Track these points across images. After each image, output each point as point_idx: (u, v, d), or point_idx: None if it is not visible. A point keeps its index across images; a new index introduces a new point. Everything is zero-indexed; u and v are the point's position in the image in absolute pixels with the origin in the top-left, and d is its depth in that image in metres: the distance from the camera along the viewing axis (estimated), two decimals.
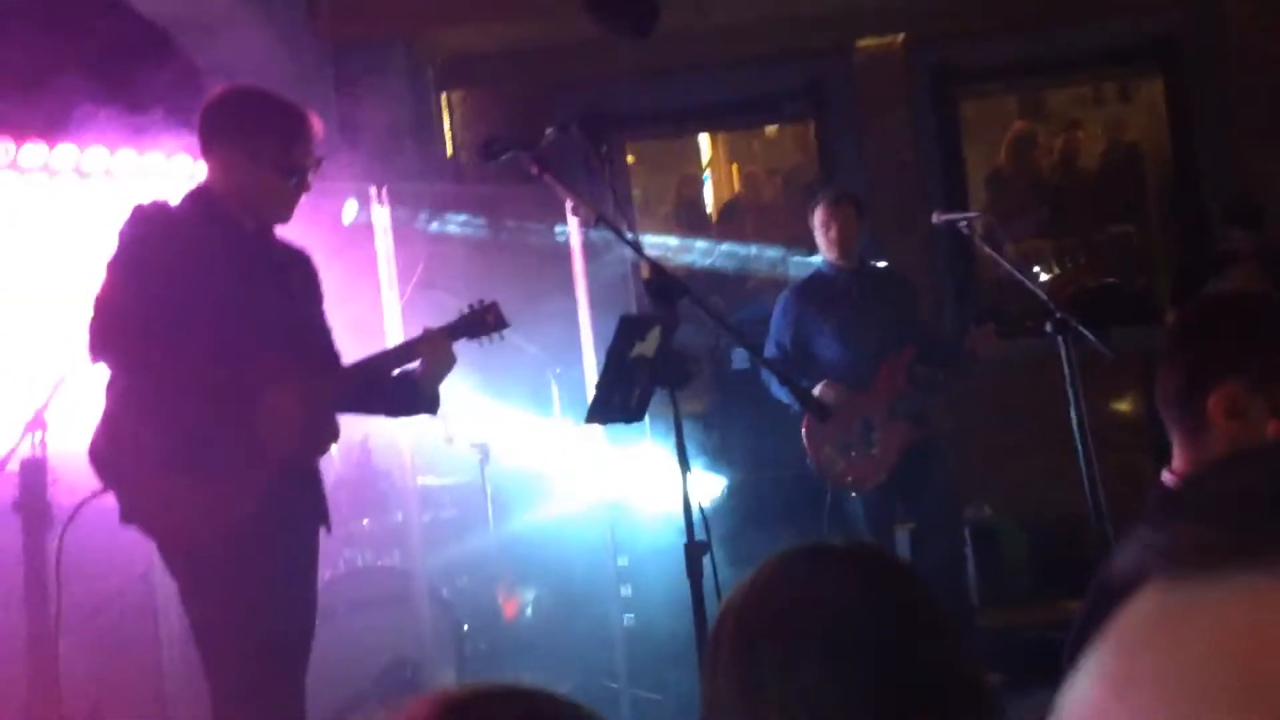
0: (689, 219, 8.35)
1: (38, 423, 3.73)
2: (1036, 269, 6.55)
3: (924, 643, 1.08)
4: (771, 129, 8.91)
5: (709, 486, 5.31)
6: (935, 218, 4.47)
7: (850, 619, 1.07)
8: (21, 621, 3.44)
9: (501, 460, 4.99)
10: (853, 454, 4.50)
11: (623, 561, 5.20)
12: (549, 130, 2.69)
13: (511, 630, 5.03)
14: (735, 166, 9.46)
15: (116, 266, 2.76)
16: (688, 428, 5.67)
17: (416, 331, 3.23)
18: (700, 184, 9.13)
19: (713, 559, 2.50)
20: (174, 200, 2.95)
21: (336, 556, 4.44)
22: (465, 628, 4.58)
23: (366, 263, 4.79)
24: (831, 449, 4.48)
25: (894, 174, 6.51)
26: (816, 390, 4.47)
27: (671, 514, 5.36)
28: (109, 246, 2.80)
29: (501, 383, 4.99)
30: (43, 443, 3.69)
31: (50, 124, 4.92)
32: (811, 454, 4.51)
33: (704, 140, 9.11)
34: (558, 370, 5.22)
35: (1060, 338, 3.73)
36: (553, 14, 5.84)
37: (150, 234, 2.80)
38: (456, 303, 4.20)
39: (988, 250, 4.61)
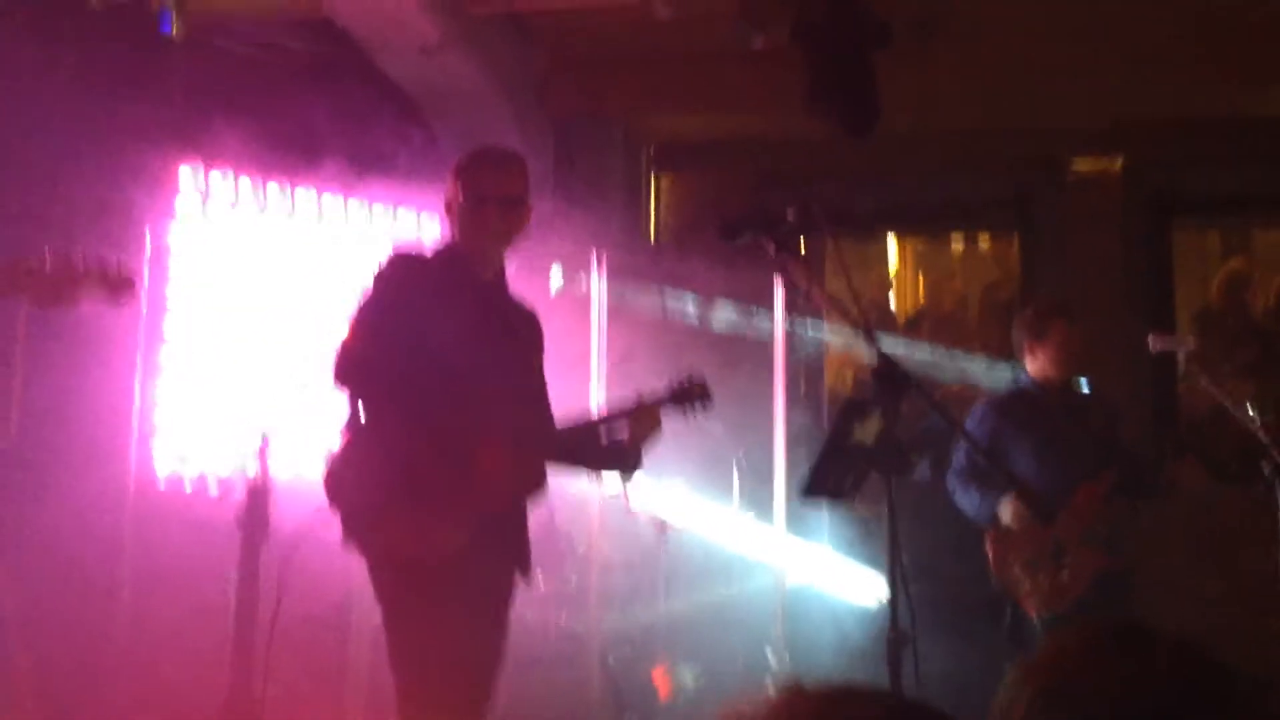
0: (876, 323, 8.33)
1: (264, 445, 3.98)
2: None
3: None
4: (959, 242, 8.86)
5: (874, 585, 5.24)
6: (1152, 343, 4.36)
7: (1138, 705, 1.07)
8: (227, 632, 3.64)
9: (679, 536, 5.03)
10: (1040, 575, 4.37)
11: (771, 657, 5.16)
12: (790, 211, 2.77)
13: (664, 709, 5.02)
14: (921, 276, 9.42)
15: (369, 303, 2.96)
16: (862, 529, 5.62)
17: (614, 398, 3.34)
18: (889, 287, 9.12)
19: (915, 651, 2.48)
20: (426, 249, 3.16)
21: None
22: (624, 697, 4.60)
23: (568, 331, 4.96)
24: (1019, 568, 4.36)
25: (1101, 297, 6.38)
26: (1005, 507, 4.38)
27: (842, 606, 5.33)
28: (364, 282, 3.01)
29: (684, 461, 5.06)
30: (266, 464, 3.93)
31: (300, 172, 5.33)
32: (996, 569, 4.40)
33: (892, 249, 9.11)
34: (741, 454, 5.26)
35: (1277, 480, 3.58)
36: (770, 108, 6.00)
37: (402, 276, 3.00)
38: (649, 378, 4.31)
39: (1203, 383, 4.46)
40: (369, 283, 3.01)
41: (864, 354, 6.76)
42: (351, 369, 2.88)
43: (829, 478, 2.61)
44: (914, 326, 8.51)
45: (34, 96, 4.45)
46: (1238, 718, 1.08)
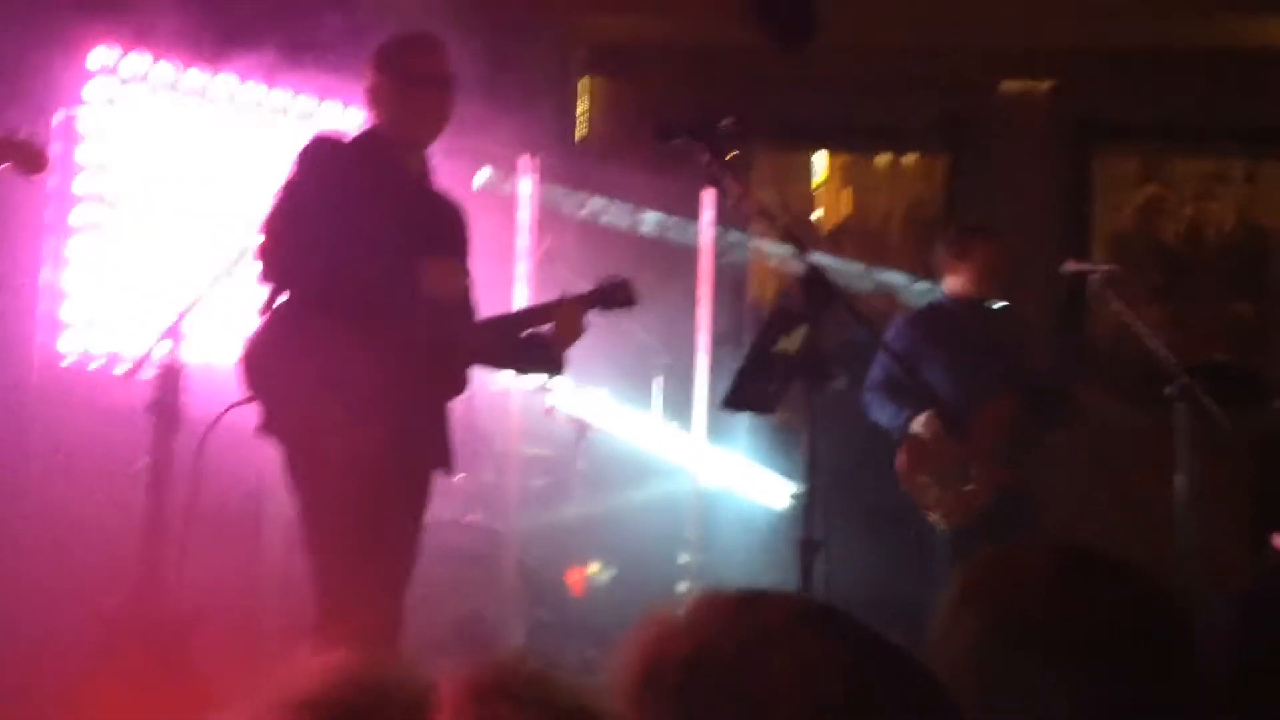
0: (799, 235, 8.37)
1: (174, 331, 3.89)
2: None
3: None
4: (884, 157, 8.89)
5: (788, 491, 5.35)
6: (1066, 266, 4.46)
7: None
8: (136, 519, 3.59)
9: (597, 437, 5.07)
10: (946, 488, 4.50)
11: (685, 559, 5.26)
12: (726, 121, 2.75)
13: (578, 606, 5.11)
14: (849, 191, 9.46)
15: (291, 186, 2.89)
16: (777, 438, 5.71)
17: (538, 299, 3.32)
18: (814, 201, 9.14)
19: (827, 557, 2.54)
20: (347, 135, 3.08)
21: None
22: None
23: (492, 232, 4.90)
24: (928, 478, 4.49)
25: (1021, 219, 6.48)
26: (920, 420, 4.49)
27: (755, 510, 5.44)
28: (283, 168, 2.93)
29: (607, 365, 5.08)
30: (177, 350, 3.85)
31: (216, 50, 5.13)
32: (905, 478, 4.52)
33: (819, 160, 9.11)
34: (664, 361, 5.29)
35: (1180, 405, 3.71)
36: (707, 13, 5.91)
37: (326, 159, 2.93)
38: (574, 279, 4.28)
39: (1115, 307, 4.58)
40: (291, 165, 2.93)
41: (789, 265, 6.82)
42: (274, 253, 2.83)
43: (752, 388, 2.64)
44: (837, 240, 8.57)
45: None
46: (1188, 638, 1.12)
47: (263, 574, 3.98)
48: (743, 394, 2.68)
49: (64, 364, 4.54)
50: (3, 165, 2.43)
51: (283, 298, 2.89)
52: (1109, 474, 5.94)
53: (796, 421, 6.07)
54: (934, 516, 4.51)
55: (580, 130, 6.60)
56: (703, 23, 6.21)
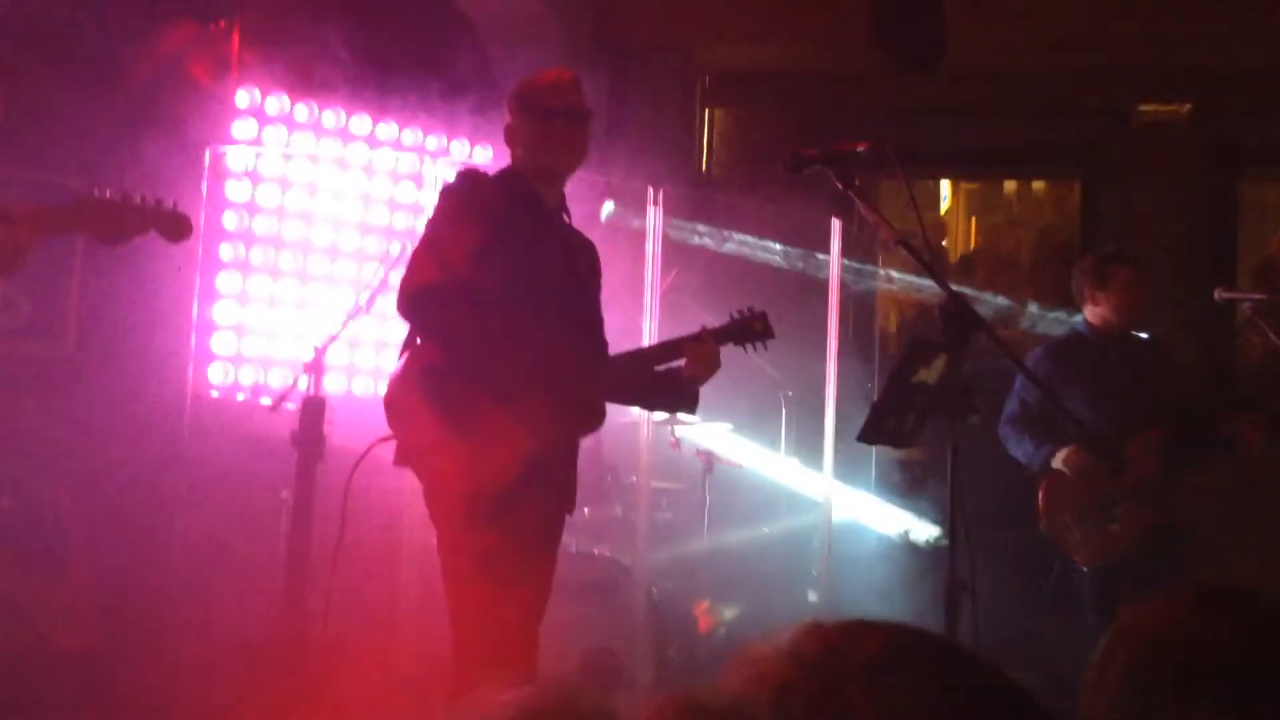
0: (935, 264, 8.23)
1: (318, 364, 4.01)
2: None
3: None
4: (1013, 183, 8.70)
5: (922, 527, 5.23)
6: (1217, 294, 4.28)
7: (1253, 667, 1.05)
8: (279, 547, 3.70)
9: (725, 470, 5.04)
10: (1090, 525, 4.34)
11: (814, 596, 5.18)
12: (860, 148, 2.71)
13: (705, 641, 5.07)
14: (974, 219, 9.28)
15: (436, 222, 2.95)
16: (906, 472, 5.59)
17: (668, 332, 3.31)
18: (943, 229, 9.00)
19: (974, 598, 2.47)
20: (490, 171, 3.14)
21: None
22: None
23: (620, 261, 4.93)
24: (1069, 516, 4.33)
25: (1162, 246, 6.26)
26: (1061, 455, 4.35)
27: (885, 547, 5.32)
28: (430, 205, 3.00)
29: (734, 397, 5.05)
30: (319, 383, 3.96)
31: (355, 91, 5.31)
32: (1046, 517, 4.37)
33: (945, 188, 8.96)
34: (789, 394, 5.24)
35: None
36: (831, 41, 5.88)
37: (466, 198, 2.98)
38: (700, 312, 4.26)
39: (1266, 335, 4.37)
40: (437, 200, 3.00)
41: (919, 294, 6.70)
42: (417, 292, 2.88)
43: (888, 421, 2.59)
44: (967, 268, 8.40)
45: (96, 21, 4.44)
46: None
47: (402, 603, 4.05)
48: (879, 427, 2.62)
49: (214, 394, 4.72)
50: (149, 233, 2.55)
51: (421, 333, 2.95)
52: (1260, 508, 5.66)
53: (927, 455, 5.98)
54: (1077, 557, 4.34)
55: (704, 161, 6.62)
56: (826, 49, 6.18)
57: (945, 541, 5.17)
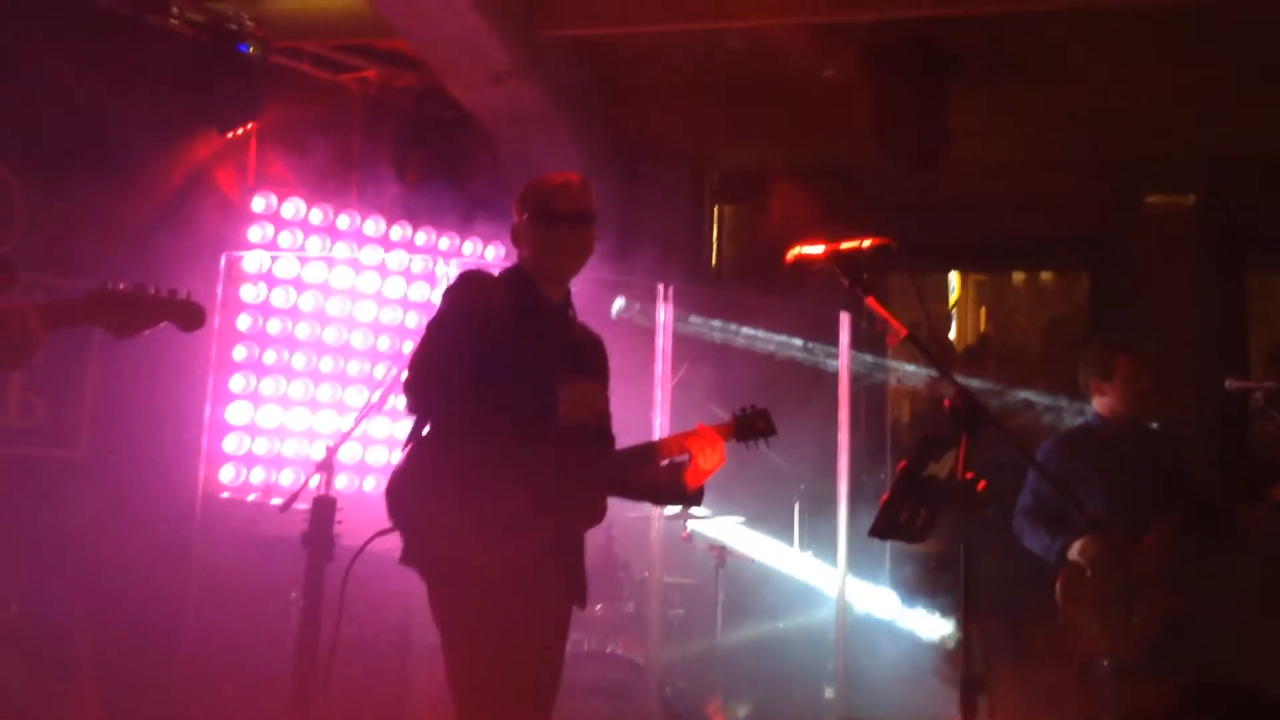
0: (943, 358, 8.23)
1: (328, 464, 4.02)
2: None
3: None
4: (1019, 274, 8.75)
5: (940, 629, 5.15)
6: (1229, 384, 4.27)
7: None
8: (288, 643, 3.67)
9: (738, 565, 5.00)
10: (1110, 617, 4.27)
11: (829, 694, 5.09)
12: (865, 245, 2.75)
13: None
14: (983, 309, 9.32)
15: (437, 320, 2.98)
16: (921, 565, 5.53)
17: (678, 427, 3.31)
18: (950, 321, 9.03)
19: (990, 694, 2.42)
20: (494, 271, 3.18)
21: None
22: None
23: (631, 356, 4.96)
24: (1089, 609, 4.27)
25: (1171, 335, 6.26)
26: (1077, 547, 4.31)
27: (902, 642, 5.24)
28: (434, 300, 3.04)
29: (745, 490, 5.03)
30: (331, 482, 3.97)
31: (369, 199, 5.41)
32: (1064, 609, 4.31)
33: (952, 277, 9.02)
34: (802, 487, 5.22)
35: None
36: (837, 139, 5.97)
37: (471, 294, 3.01)
38: (710, 406, 4.26)
39: (1278, 424, 4.35)
40: (438, 300, 3.03)
41: (931, 388, 6.70)
42: (419, 386, 2.90)
43: (899, 516, 2.57)
44: (974, 358, 8.41)
45: (117, 122, 4.56)
46: None
47: (410, 701, 4.00)
48: (890, 522, 2.60)
49: (225, 495, 4.73)
50: (162, 324, 2.59)
51: (426, 429, 2.96)
52: (1278, 595, 5.58)
53: (943, 548, 5.92)
54: (1096, 650, 4.27)
55: (714, 257, 6.69)
56: (832, 149, 6.28)
57: (960, 637, 5.12)
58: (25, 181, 4.55)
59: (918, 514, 2.58)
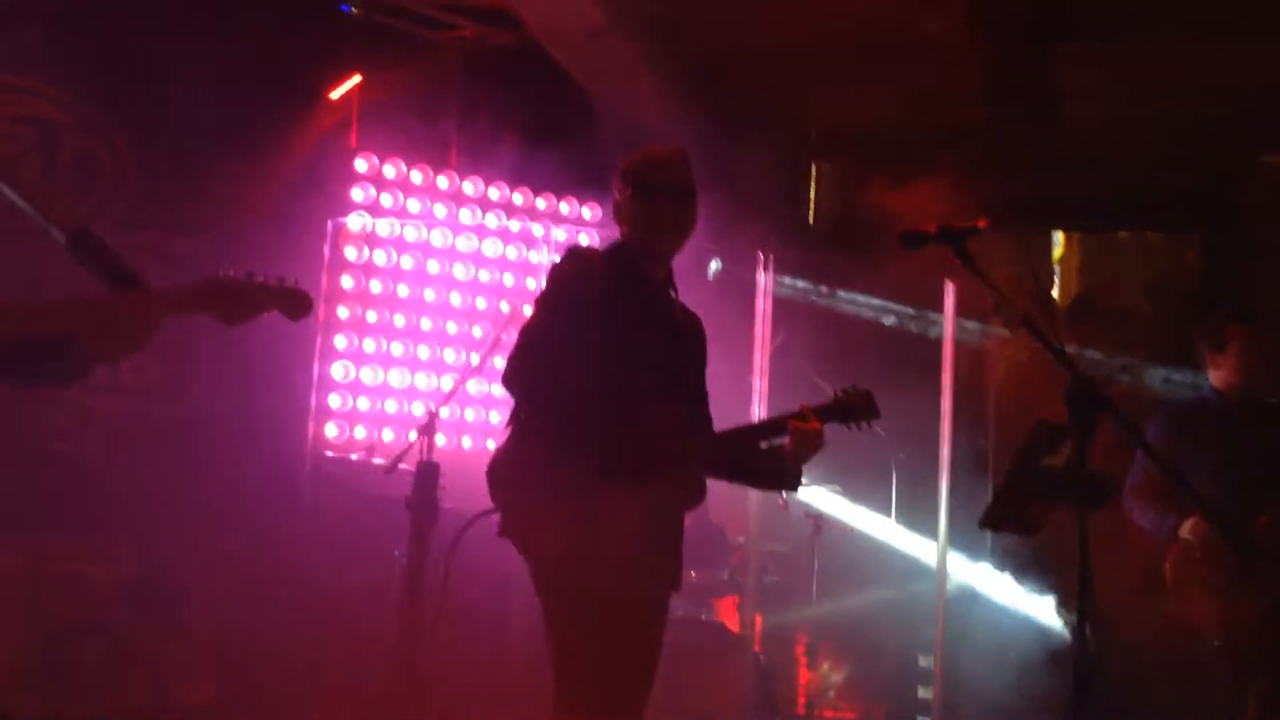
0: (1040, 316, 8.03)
1: (430, 425, 4.07)
2: None
3: None
4: (1126, 234, 8.47)
5: (1040, 607, 5.09)
6: None
7: None
8: (392, 605, 3.75)
9: (834, 533, 4.97)
10: (1220, 599, 4.16)
11: (925, 662, 5.06)
12: (979, 225, 2.67)
13: (813, 706, 4.99)
14: (1088, 266, 9.05)
15: (545, 304, 2.98)
16: (1025, 546, 5.41)
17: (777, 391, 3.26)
18: (1052, 279, 8.79)
19: (1106, 684, 2.37)
20: (600, 248, 3.17)
21: None
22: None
23: (730, 320, 4.93)
24: (1198, 590, 4.16)
25: None
26: (1188, 525, 4.18)
27: (1002, 618, 5.17)
28: (540, 281, 3.04)
29: (843, 458, 4.98)
30: (432, 445, 4.02)
31: (467, 159, 5.43)
32: (1174, 590, 4.21)
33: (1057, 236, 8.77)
34: (901, 456, 5.16)
35: None
36: (941, 95, 5.81)
37: (576, 276, 3.00)
38: (810, 374, 4.20)
39: None
40: (544, 282, 3.03)
41: (1041, 362, 6.53)
42: (523, 372, 2.91)
43: (1013, 507, 2.51)
44: (1077, 318, 8.18)
45: (224, 83, 4.61)
46: None
47: (509, 663, 4.07)
48: (1002, 513, 2.55)
49: (330, 453, 4.83)
50: (271, 310, 2.62)
51: (527, 412, 2.97)
52: None
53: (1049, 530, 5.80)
54: (1208, 631, 4.16)
55: (812, 216, 6.58)
56: (935, 107, 6.11)
57: (1069, 619, 5.03)
58: (137, 146, 4.66)
59: (1030, 506, 2.52)
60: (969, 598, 5.05)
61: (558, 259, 3.09)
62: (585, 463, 2.86)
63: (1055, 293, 8.75)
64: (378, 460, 4.47)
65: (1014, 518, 2.55)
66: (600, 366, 2.89)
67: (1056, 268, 9.02)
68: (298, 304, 2.69)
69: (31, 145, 4.51)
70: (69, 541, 4.05)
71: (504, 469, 2.99)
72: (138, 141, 4.68)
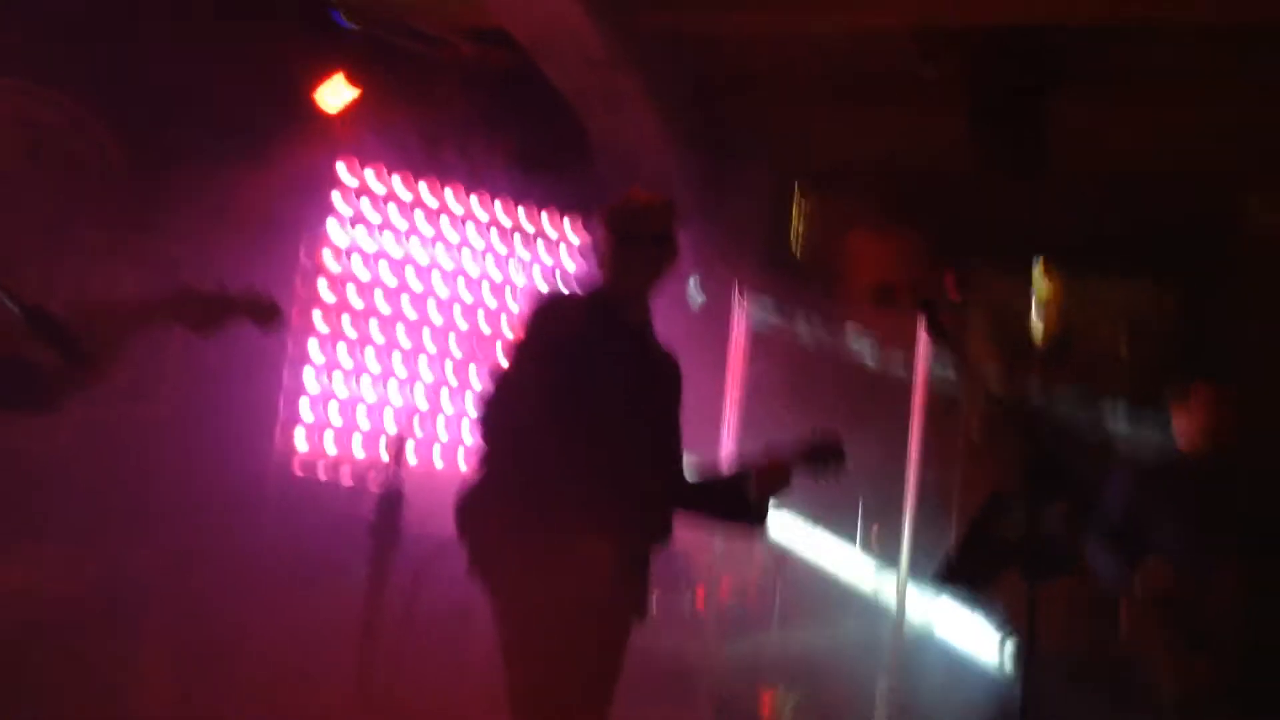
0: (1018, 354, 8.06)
1: (398, 442, 4.08)
2: None
3: None
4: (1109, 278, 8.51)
5: (998, 642, 5.11)
6: None
7: None
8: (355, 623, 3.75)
9: (796, 565, 5.01)
10: (1176, 653, 4.18)
11: (882, 686, 5.09)
12: (954, 296, 2.69)
13: None
14: (1065, 311, 9.09)
15: (517, 351, 3.02)
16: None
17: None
18: (1031, 317, 8.82)
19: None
20: (576, 292, 3.18)
21: None
22: None
23: (706, 348, 4.96)
24: (1153, 642, 4.19)
25: (1268, 357, 6.04)
26: (1142, 578, 4.20)
27: (960, 652, 5.19)
28: (517, 329, 3.07)
29: (807, 490, 5.01)
30: (403, 464, 4.03)
31: (453, 172, 5.43)
32: (1129, 639, 4.23)
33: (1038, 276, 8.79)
34: (866, 492, 5.19)
35: None
36: (931, 139, 5.83)
37: (550, 323, 3.03)
38: (781, 410, 4.22)
39: None
40: (519, 326, 3.06)
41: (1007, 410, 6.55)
42: (495, 421, 2.95)
43: (964, 568, 2.55)
44: (1053, 359, 8.19)
45: (216, 91, 4.61)
46: None
47: (468, 691, 4.08)
48: (956, 571, 2.58)
49: (298, 460, 4.83)
50: (240, 320, 2.63)
51: (495, 454, 3.00)
52: None
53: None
54: (1161, 683, 4.19)
55: (795, 249, 6.61)
56: (928, 147, 6.13)
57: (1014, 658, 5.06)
58: (125, 147, 4.65)
59: (979, 569, 2.55)
60: (927, 632, 5.09)
61: (534, 306, 3.10)
62: (551, 500, 2.89)
63: (1036, 331, 8.79)
64: (345, 478, 4.48)
65: (966, 578, 2.58)
66: (572, 416, 2.91)
67: (1038, 309, 9.07)
68: (267, 314, 2.70)
69: (22, 146, 4.51)
70: (24, 547, 4.04)
71: (472, 508, 3.02)
72: (128, 146, 4.67)
